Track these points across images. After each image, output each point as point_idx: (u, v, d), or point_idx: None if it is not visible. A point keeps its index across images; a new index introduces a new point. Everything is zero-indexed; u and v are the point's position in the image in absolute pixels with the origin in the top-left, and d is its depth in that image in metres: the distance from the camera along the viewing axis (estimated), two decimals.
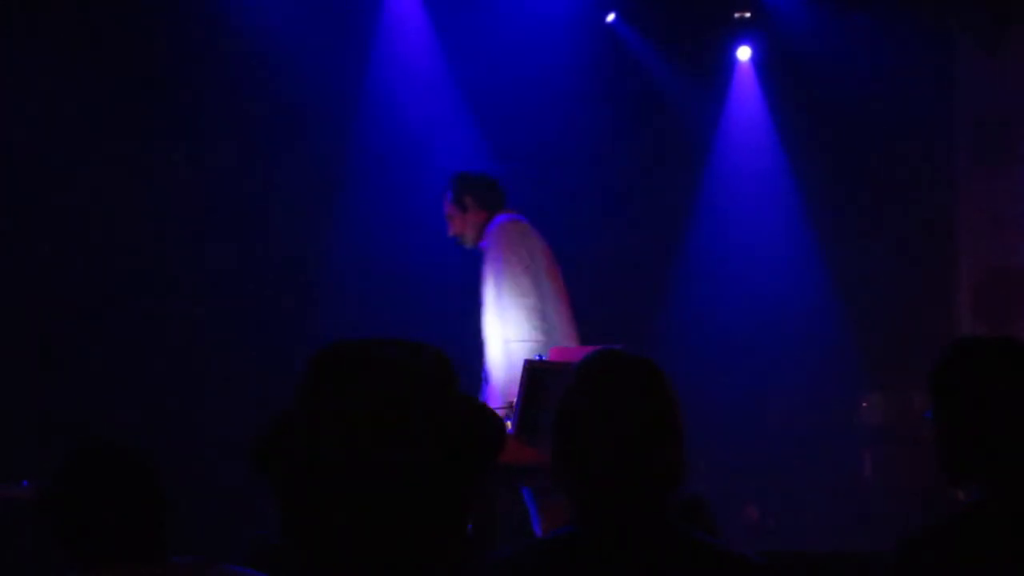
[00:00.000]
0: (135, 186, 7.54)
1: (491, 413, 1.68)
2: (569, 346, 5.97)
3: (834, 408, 9.34)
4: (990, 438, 2.56)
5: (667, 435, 2.34)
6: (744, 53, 9.98)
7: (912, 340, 9.36)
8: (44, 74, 7.25)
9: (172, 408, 7.34)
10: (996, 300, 9.56)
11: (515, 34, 8.70)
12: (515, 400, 5.35)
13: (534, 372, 5.21)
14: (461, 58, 8.83)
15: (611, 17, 9.56)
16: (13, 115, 7.15)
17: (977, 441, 2.57)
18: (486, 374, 6.06)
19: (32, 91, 7.22)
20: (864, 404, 9.21)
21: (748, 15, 9.82)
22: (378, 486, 1.55)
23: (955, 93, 9.89)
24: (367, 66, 8.64)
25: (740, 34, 9.91)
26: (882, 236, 9.59)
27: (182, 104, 7.77)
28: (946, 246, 9.90)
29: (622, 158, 9.46)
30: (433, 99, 8.86)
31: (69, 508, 2.73)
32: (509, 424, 5.28)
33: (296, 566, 1.59)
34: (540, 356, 5.50)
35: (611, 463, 2.29)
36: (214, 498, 6.88)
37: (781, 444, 9.17)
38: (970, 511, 2.56)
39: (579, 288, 9.07)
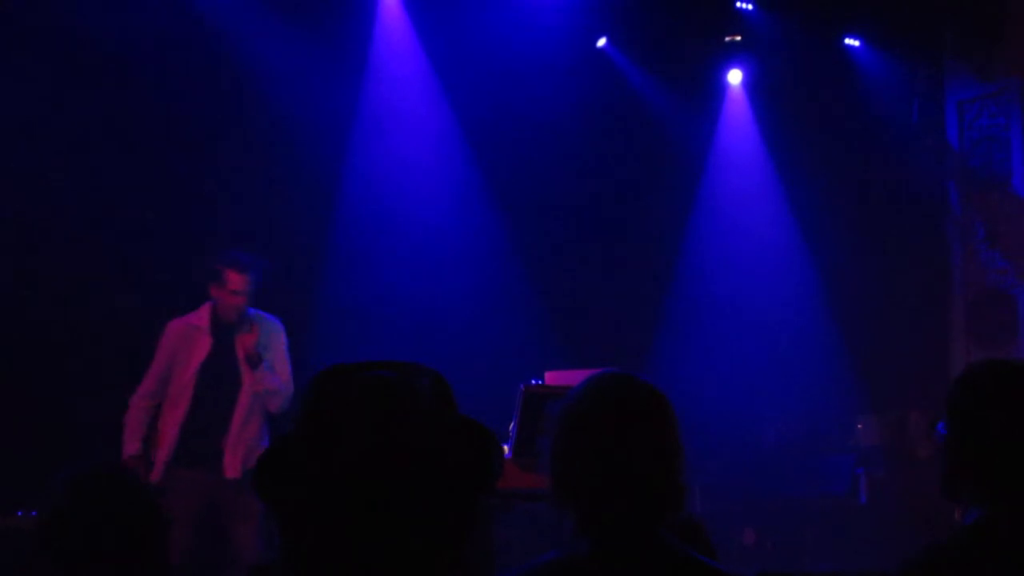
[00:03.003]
0: (129, 208, 7.54)
1: (490, 436, 1.67)
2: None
3: (830, 429, 9.34)
4: (1004, 460, 2.58)
5: (670, 458, 2.35)
6: (735, 76, 10.02)
7: (907, 362, 9.38)
8: (42, 99, 7.25)
9: None
10: (989, 322, 9.58)
11: (507, 58, 8.71)
12: (511, 424, 5.35)
13: (531, 397, 5.21)
14: (454, 83, 8.84)
15: (602, 42, 9.59)
16: (16, 127, 7.14)
17: (988, 462, 2.60)
18: None
19: (33, 112, 7.21)
20: (860, 426, 9.21)
21: (739, 38, 9.86)
22: (376, 510, 1.55)
23: (946, 115, 9.94)
24: (361, 90, 8.64)
25: (731, 57, 9.95)
26: (876, 258, 9.62)
27: (178, 126, 7.76)
28: (940, 267, 9.92)
29: (615, 180, 9.48)
30: (427, 124, 8.87)
31: (70, 532, 2.71)
32: (506, 448, 5.27)
33: None
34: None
35: (615, 484, 2.30)
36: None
37: (778, 466, 9.16)
38: (975, 530, 2.58)
39: (574, 309, 9.13)
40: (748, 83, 10.02)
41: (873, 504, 8.83)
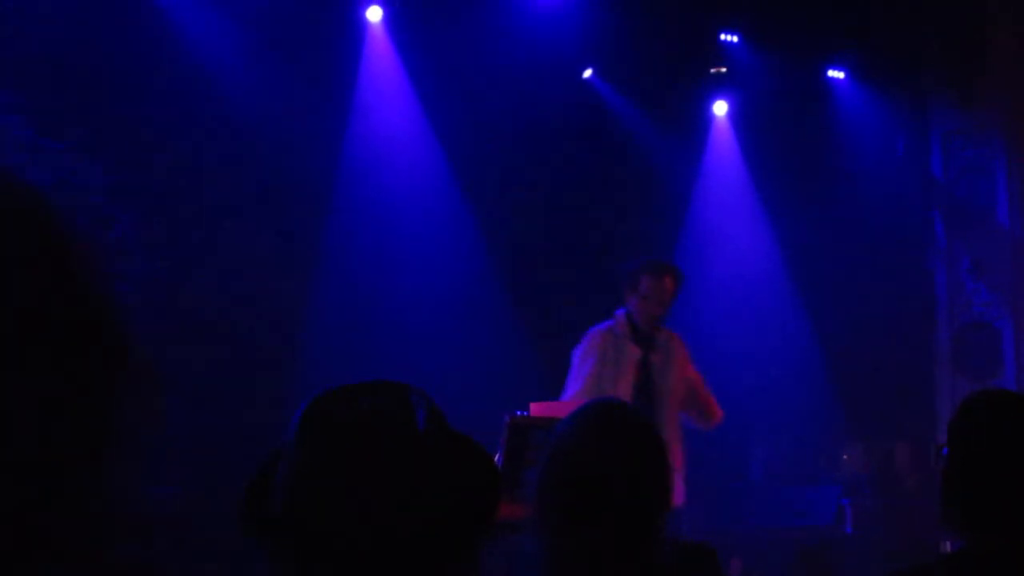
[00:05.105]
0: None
1: (486, 460, 1.62)
2: None
3: (816, 460, 9.34)
4: (988, 491, 2.59)
5: (658, 490, 2.36)
6: (720, 108, 10.06)
7: (892, 393, 9.39)
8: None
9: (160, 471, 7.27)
10: (974, 353, 9.59)
11: (493, 90, 8.73)
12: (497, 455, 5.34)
13: (517, 428, 5.19)
14: (441, 115, 8.85)
15: (588, 73, 9.61)
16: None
17: (974, 492, 2.61)
18: None
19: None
20: (845, 456, 9.21)
21: (724, 70, 9.90)
22: (372, 544, 1.51)
23: (931, 146, 9.98)
24: (347, 123, 8.64)
25: (717, 89, 9.99)
26: (861, 289, 9.63)
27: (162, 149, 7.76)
28: (925, 298, 9.94)
29: (601, 211, 9.49)
30: (413, 155, 8.87)
31: None
32: None
33: None
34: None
35: (606, 512, 2.30)
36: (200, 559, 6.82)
37: (764, 496, 9.15)
38: (956, 559, 2.58)
39: (560, 340, 9.11)
40: (733, 115, 10.06)
41: (859, 534, 8.82)
